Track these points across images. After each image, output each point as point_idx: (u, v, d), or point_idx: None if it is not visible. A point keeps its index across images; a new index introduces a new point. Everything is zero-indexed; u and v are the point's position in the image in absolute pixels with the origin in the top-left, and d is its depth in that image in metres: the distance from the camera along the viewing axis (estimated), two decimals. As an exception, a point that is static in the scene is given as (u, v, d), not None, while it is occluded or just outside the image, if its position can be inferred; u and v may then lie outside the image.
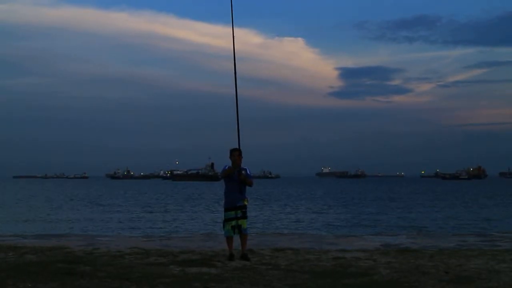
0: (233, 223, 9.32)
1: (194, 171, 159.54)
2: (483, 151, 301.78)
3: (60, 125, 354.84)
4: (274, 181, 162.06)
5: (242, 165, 9.48)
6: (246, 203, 9.44)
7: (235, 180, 9.37)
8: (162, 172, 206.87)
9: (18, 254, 9.76)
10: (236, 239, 9.45)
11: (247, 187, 9.56)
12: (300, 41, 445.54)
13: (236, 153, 9.45)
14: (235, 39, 9.99)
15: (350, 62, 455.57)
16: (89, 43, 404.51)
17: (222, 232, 9.63)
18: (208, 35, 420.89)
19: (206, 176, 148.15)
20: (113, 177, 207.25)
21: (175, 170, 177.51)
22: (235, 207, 9.35)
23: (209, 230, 18.99)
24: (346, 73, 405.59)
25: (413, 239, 13.99)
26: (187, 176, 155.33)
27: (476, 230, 20.32)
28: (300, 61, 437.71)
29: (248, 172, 9.50)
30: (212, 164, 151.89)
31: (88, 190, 78.05)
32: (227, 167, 9.49)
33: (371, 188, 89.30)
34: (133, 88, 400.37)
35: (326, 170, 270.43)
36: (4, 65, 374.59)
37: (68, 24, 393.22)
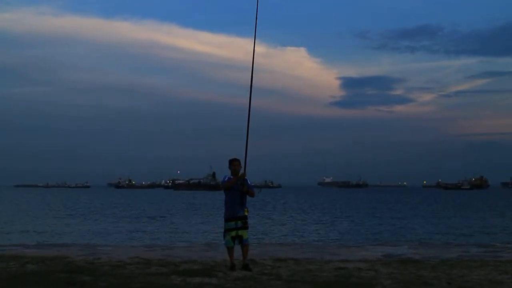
0: (233, 233, 9.28)
1: (196, 180, 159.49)
2: (485, 161, 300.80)
3: (62, 133, 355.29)
4: (276, 190, 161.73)
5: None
6: (246, 213, 9.40)
7: (236, 190, 9.36)
8: (163, 181, 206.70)
9: (20, 264, 9.74)
10: (238, 249, 9.42)
11: (248, 198, 9.54)
12: (302, 51, 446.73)
13: (236, 163, 9.45)
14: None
15: (352, 71, 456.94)
16: (92, 52, 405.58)
17: (223, 242, 9.59)
18: (210, 45, 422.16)
19: (207, 185, 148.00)
20: (117, 186, 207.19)
21: (176, 179, 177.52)
22: (235, 217, 9.31)
23: (210, 240, 18.95)
24: (348, 83, 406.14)
25: (415, 250, 13.96)
26: (189, 185, 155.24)
27: (478, 240, 20.25)
28: (303, 71, 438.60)
29: (248, 182, 9.46)
30: (214, 173, 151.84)
31: (95, 199, 77.93)
32: (226, 178, 9.48)
33: (373, 198, 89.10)
34: (135, 97, 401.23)
35: (327, 180, 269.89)
36: (6, 73, 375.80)
37: (71, 33, 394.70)
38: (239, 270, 9.03)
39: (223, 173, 9.68)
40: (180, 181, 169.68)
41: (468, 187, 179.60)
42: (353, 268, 9.61)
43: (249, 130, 9.47)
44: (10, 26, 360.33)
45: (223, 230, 9.49)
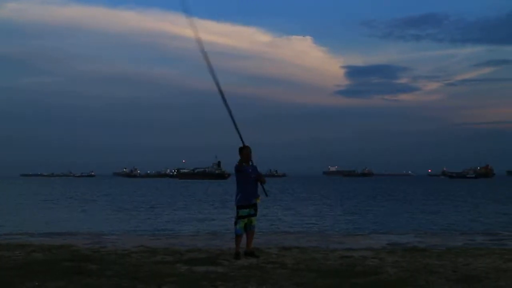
0: (246, 220, 9.33)
1: (201, 170, 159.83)
2: (490, 149, 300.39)
3: (67, 123, 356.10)
4: (281, 179, 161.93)
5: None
6: (258, 201, 9.44)
7: (252, 178, 9.36)
8: (168, 170, 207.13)
9: (26, 253, 9.80)
10: (242, 238, 9.44)
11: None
12: (308, 40, 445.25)
13: (248, 150, 9.47)
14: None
15: (357, 60, 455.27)
16: (98, 42, 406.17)
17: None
18: (215, 34, 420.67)
19: (212, 174, 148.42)
20: (130, 175, 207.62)
21: (182, 169, 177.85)
22: (249, 204, 9.34)
23: (216, 229, 18.98)
24: (354, 72, 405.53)
25: (421, 238, 13.94)
26: (194, 175, 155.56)
27: (484, 229, 20.22)
28: (308, 60, 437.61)
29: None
30: (219, 162, 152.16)
31: (101, 188, 78.22)
32: (237, 165, 9.49)
33: (379, 187, 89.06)
34: (141, 86, 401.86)
35: (333, 169, 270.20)
36: (13, 64, 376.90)
37: (77, 22, 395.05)
38: (244, 259, 9.06)
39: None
40: (185, 170, 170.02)
41: (473, 175, 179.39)
42: (358, 256, 9.61)
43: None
44: (16, 16, 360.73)
45: (235, 217, 9.46)
